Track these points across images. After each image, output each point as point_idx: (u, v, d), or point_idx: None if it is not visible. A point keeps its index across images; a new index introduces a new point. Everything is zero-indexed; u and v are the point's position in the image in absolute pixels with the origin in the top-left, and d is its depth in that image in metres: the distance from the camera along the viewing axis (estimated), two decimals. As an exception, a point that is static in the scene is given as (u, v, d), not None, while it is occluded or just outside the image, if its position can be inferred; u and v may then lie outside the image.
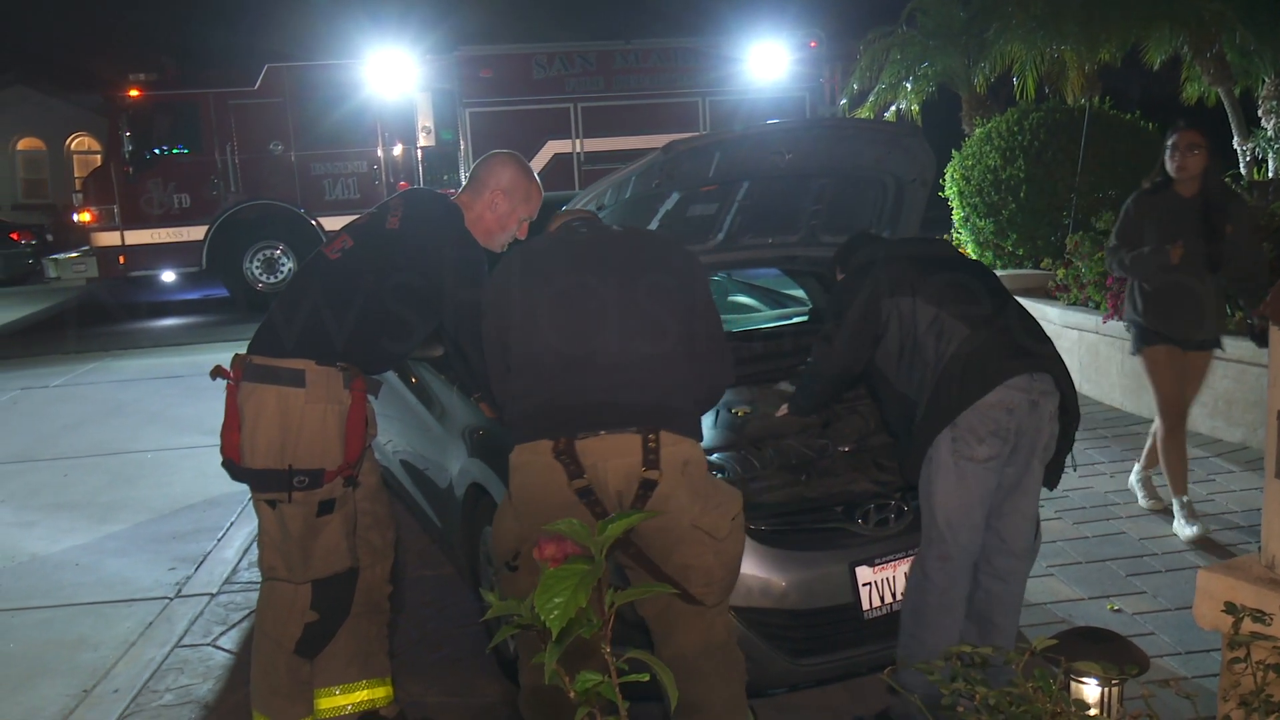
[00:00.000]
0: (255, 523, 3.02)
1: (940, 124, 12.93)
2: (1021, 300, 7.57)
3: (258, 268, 13.63)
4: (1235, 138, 10.28)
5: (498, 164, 3.09)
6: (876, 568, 3.15)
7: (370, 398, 3.02)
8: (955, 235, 9.65)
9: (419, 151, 13.86)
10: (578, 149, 13.66)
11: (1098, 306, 6.84)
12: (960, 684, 1.62)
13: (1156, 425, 4.62)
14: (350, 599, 3.04)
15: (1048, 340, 3.06)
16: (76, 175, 23.87)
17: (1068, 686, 1.98)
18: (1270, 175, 10.00)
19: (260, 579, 3.02)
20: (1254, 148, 10.26)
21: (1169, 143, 4.48)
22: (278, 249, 13.63)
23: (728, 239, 4.22)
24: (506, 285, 2.71)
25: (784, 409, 3.58)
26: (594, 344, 2.57)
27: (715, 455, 3.46)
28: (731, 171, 3.73)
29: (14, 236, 19.98)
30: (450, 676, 3.66)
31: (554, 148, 13.61)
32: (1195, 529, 4.42)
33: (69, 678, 3.80)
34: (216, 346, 10.44)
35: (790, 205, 4.14)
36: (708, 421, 3.70)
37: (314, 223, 13.39)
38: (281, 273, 13.60)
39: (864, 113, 13.17)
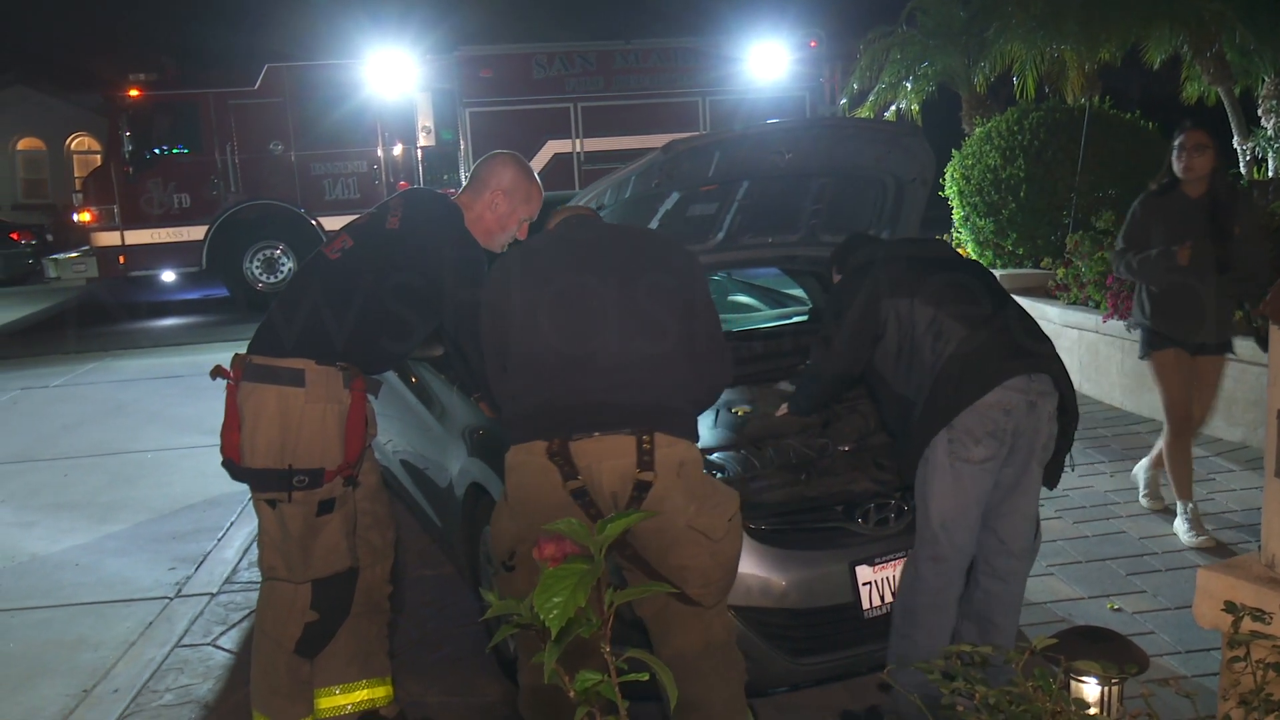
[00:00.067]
0: (255, 522, 3.02)
1: (940, 123, 12.93)
2: (1021, 299, 7.59)
3: (258, 268, 13.64)
4: (1235, 137, 10.28)
5: (498, 164, 3.09)
6: (876, 567, 3.15)
7: (370, 397, 3.02)
8: (955, 235, 9.65)
9: (419, 151, 13.86)
10: (578, 149, 13.66)
11: (1098, 306, 6.84)
12: (960, 683, 1.62)
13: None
14: (350, 599, 3.04)
15: (1046, 340, 3.06)
16: (76, 175, 23.87)
17: (1067, 686, 1.98)
18: (1270, 175, 10.00)
19: (260, 579, 3.02)
20: (1254, 147, 10.26)
21: (1176, 143, 4.42)
22: (278, 249, 13.63)
23: (728, 238, 4.22)
24: (505, 284, 2.70)
25: (784, 408, 3.58)
26: (592, 344, 2.56)
27: (715, 455, 3.46)
28: (731, 171, 3.73)
29: (14, 236, 19.97)
30: (450, 676, 3.66)
31: (554, 147, 13.61)
32: (1200, 539, 4.39)
33: (69, 678, 3.80)
34: (216, 346, 10.45)
35: (790, 205, 4.14)
36: (708, 421, 3.70)
37: (314, 223, 13.39)
38: (281, 273, 13.60)
39: (864, 112, 13.16)
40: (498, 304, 2.68)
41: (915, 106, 12.92)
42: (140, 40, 23.64)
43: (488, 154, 3.16)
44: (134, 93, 12.93)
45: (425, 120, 13.89)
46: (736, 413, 3.77)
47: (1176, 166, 4.40)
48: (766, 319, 4.91)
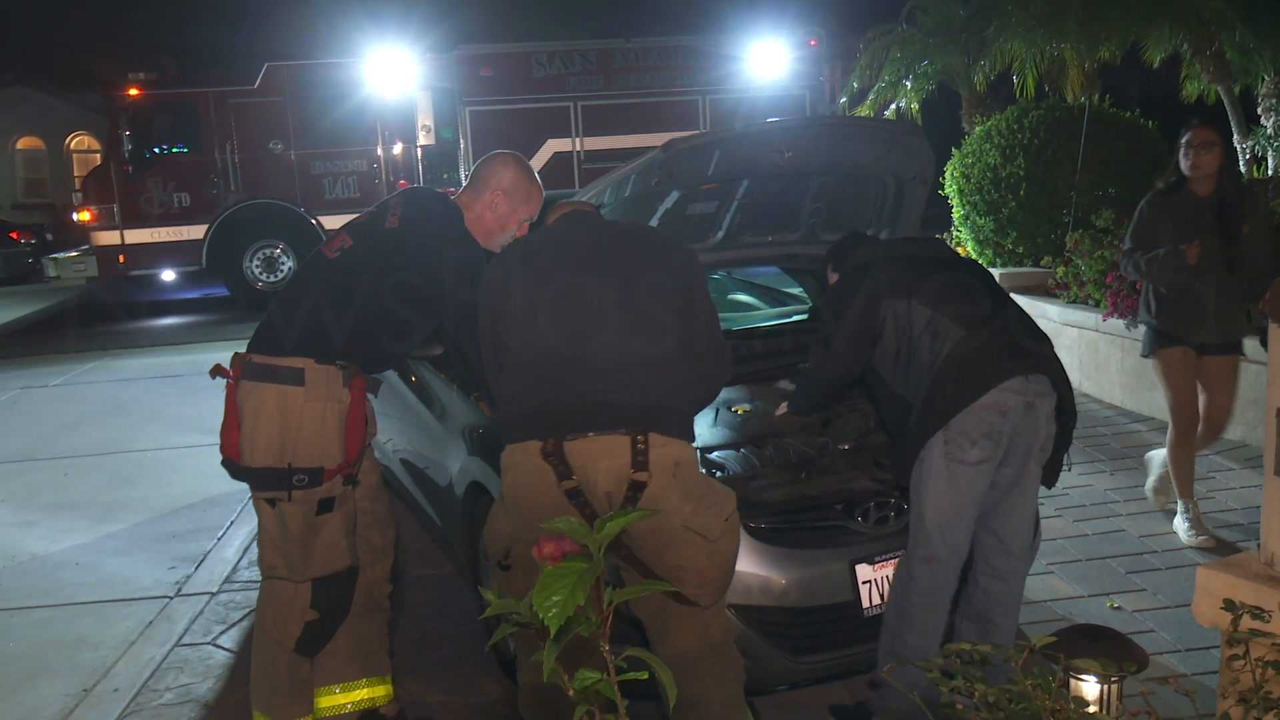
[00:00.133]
0: (255, 522, 3.03)
1: (940, 122, 12.93)
2: (1021, 298, 7.62)
3: (258, 267, 13.63)
4: (1235, 136, 10.27)
5: (499, 164, 3.09)
6: (876, 565, 3.15)
7: (370, 396, 3.02)
8: (955, 233, 9.65)
9: (419, 150, 13.86)
10: (578, 147, 13.66)
11: (1097, 304, 6.83)
12: (959, 681, 1.62)
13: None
14: (350, 598, 3.04)
15: (1045, 340, 3.05)
16: (76, 174, 23.84)
17: (1067, 684, 1.98)
18: (1270, 173, 10.00)
19: (260, 578, 3.02)
20: (1254, 146, 10.25)
21: (1183, 140, 4.36)
22: (278, 248, 13.63)
23: (727, 237, 4.22)
24: (504, 283, 2.69)
25: (783, 407, 3.58)
26: (590, 345, 2.55)
27: (715, 453, 3.46)
28: (731, 170, 3.72)
29: (14, 236, 19.98)
30: (450, 675, 3.66)
31: (554, 146, 13.61)
32: (1200, 539, 4.38)
33: (69, 677, 3.80)
34: (216, 345, 10.45)
35: (790, 203, 4.14)
36: (708, 420, 3.71)
37: (314, 222, 13.39)
38: (281, 272, 13.60)
39: (864, 111, 13.15)
40: (496, 303, 2.67)
41: (915, 105, 12.91)
42: (140, 40, 23.66)
43: (488, 154, 3.16)
44: (134, 92, 12.93)
45: (425, 119, 13.89)
46: (736, 411, 3.77)
47: (1183, 164, 4.35)
48: (766, 318, 4.91)
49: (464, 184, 3.15)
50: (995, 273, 8.11)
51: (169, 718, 3.49)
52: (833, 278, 3.37)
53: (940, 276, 3.03)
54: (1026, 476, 2.98)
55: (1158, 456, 4.82)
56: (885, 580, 3.16)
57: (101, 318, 13.44)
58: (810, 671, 3.16)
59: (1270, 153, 10.16)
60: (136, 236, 13.19)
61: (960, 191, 9.17)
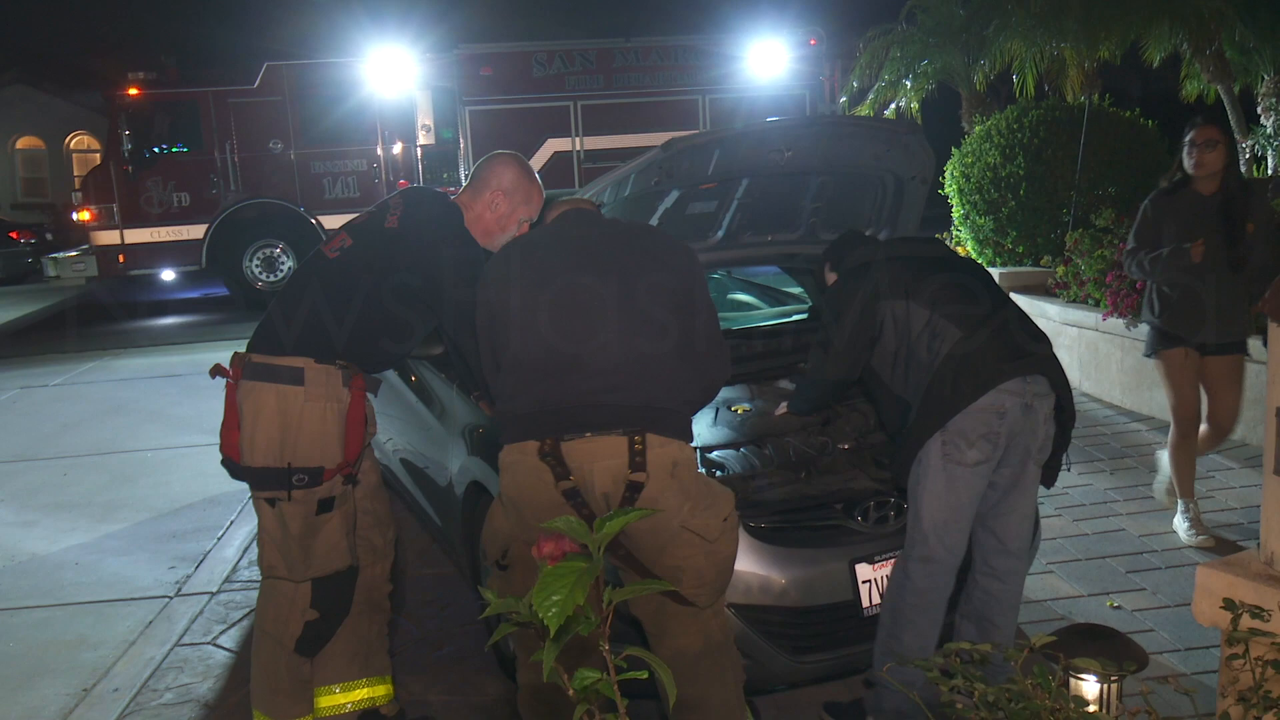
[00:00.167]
0: (255, 521, 3.02)
1: (940, 121, 12.95)
2: (1021, 297, 7.62)
3: (257, 266, 13.64)
4: (1235, 135, 10.28)
5: (499, 164, 3.08)
6: (876, 565, 3.15)
7: (369, 396, 3.02)
8: (955, 233, 9.66)
9: (419, 150, 13.85)
10: (577, 147, 13.66)
11: (1097, 304, 6.83)
12: (959, 680, 1.62)
13: (1203, 429, 4.48)
14: (350, 597, 3.04)
15: (1044, 340, 3.04)
16: (76, 174, 23.84)
17: (1067, 683, 1.98)
18: (1270, 172, 10.01)
19: (260, 577, 3.02)
20: (1253, 145, 10.26)
21: (1186, 138, 4.31)
22: (277, 247, 13.63)
23: (727, 236, 4.22)
24: (502, 283, 2.67)
25: (783, 407, 3.58)
26: (588, 345, 2.54)
27: (715, 453, 3.46)
28: (731, 169, 3.73)
29: (13, 235, 19.98)
30: (451, 675, 3.66)
31: (554, 146, 13.61)
32: (1200, 539, 4.38)
33: (69, 677, 3.80)
34: (216, 345, 10.45)
35: (790, 203, 4.14)
36: (708, 419, 3.71)
37: (314, 221, 13.39)
38: (281, 271, 13.60)
39: (864, 110, 13.18)
40: (494, 302, 2.66)
41: (915, 104, 12.92)
42: (140, 39, 23.62)
43: (489, 154, 3.15)
44: (133, 91, 12.93)
45: (425, 118, 13.88)
46: (736, 411, 3.77)
47: (1187, 163, 4.30)
48: (766, 317, 4.91)
49: (464, 184, 3.15)
50: (995, 272, 8.12)
51: (169, 718, 3.49)
52: (830, 277, 3.37)
53: (939, 277, 3.03)
54: (1025, 477, 2.98)
55: (1165, 457, 4.79)
56: (885, 579, 3.16)
57: (101, 317, 13.44)
58: (810, 671, 3.16)
59: (1270, 152, 10.17)
60: (136, 236, 13.19)
61: (960, 191, 9.17)
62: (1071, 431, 3.06)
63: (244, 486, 3.00)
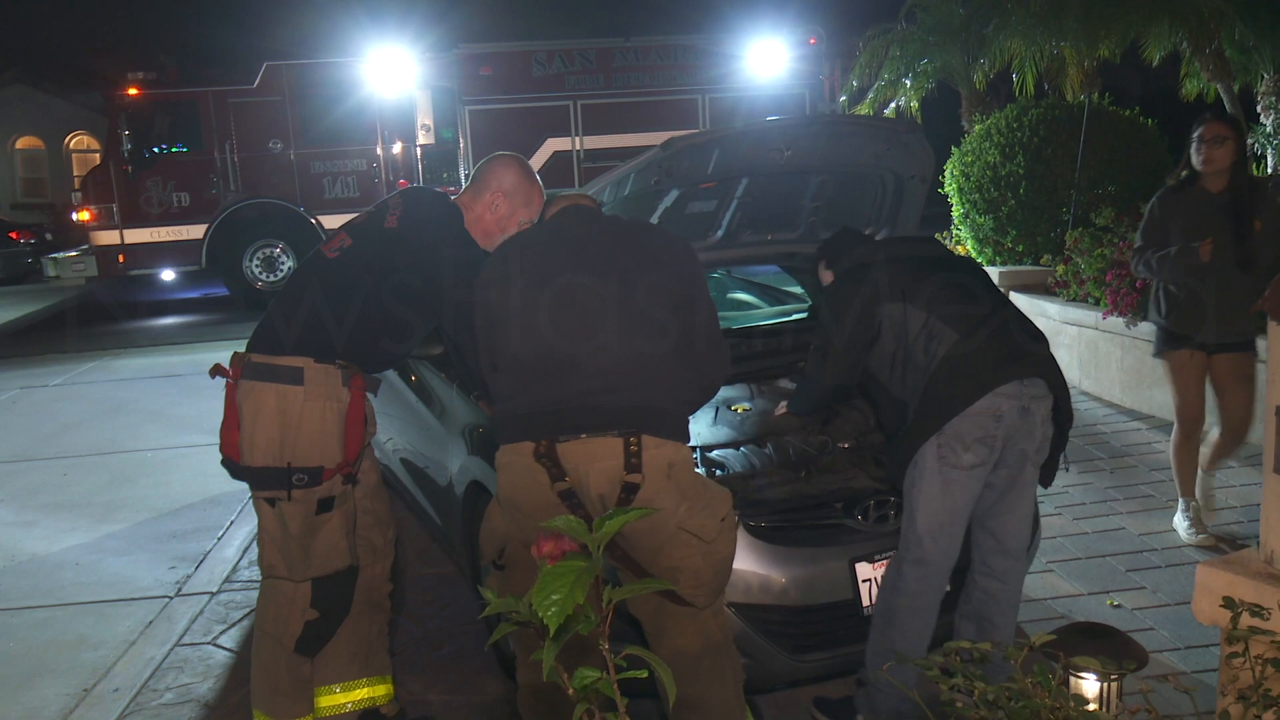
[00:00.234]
0: (255, 521, 3.03)
1: (940, 120, 12.94)
2: (1020, 296, 7.60)
3: (257, 266, 13.63)
4: (1243, 132, 10.28)
5: (500, 166, 3.08)
6: (876, 564, 3.16)
7: (369, 395, 3.02)
8: (954, 232, 9.66)
9: (418, 149, 13.85)
10: (577, 146, 13.65)
11: (1097, 302, 6.83)
12: (959, 679, 1.62)
13: (1214, 432, 4.47)
14: (350, 597, 3.04)
15: (1042, 340, 3.03)
16: (76, 174, 23.83)
17: (1067, 682, 1.98)
18: (1270, 171, 10.00)
19: (260, 577, 3.02)
20: (1253, 144, 10.26)
21: (1194, 135, 4.26)
22: (277, 247, 13.63)
23: (727, 236, 4.22)
24: (500, 282, 2.66)
25: (782, 407, 3.58)
26: (586, 345, 2.52)
27: (715, 452, 3.46)
28: (730, 168, 3.72)
29: (13, 236, 19.97)
30: (451, 674, 3.66)
31: (553, 145, 13.60)
32: (1200, 538, 4.38)
33: (69, 677, 3.81)
34: (216, 345, 10.45)
35: (789, 202, 4.14)
36: (708, 419, 3.71)
37: (313, 221, 13.39)
38: (281, 271, 13.60)
39: (863, 109, 13.17)
40: (492, 302, 2.64)
41: (915, 104, 12.91)
42: (140, 39, 23.62)
43: (490, 155, 3.15)
44: (133, 91, 12.92)
45: (425, 118, 13.88)
46: (736, 410, 3.77)
47: (1195, 160, 4.24)
48: (766, 316, 4.91)
49: (464, 184, 3.15)
50: (995, 271, 8.11)
51: (169, 718, 3.49)
52: (825, 275, 3.36)
53: (937, 277, 3.02)
54: (1023, 478, 2.97)
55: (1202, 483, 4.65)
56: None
57: (101, 317, 13.43)
58: (810, 670, 3.16)
59: (1270, 151, 10.17)
60: (136, 236, 13.18)
61: (960, 190, 9.17)
62: (1069, 432, 3.06)
63: (244, 486, 3.00)
